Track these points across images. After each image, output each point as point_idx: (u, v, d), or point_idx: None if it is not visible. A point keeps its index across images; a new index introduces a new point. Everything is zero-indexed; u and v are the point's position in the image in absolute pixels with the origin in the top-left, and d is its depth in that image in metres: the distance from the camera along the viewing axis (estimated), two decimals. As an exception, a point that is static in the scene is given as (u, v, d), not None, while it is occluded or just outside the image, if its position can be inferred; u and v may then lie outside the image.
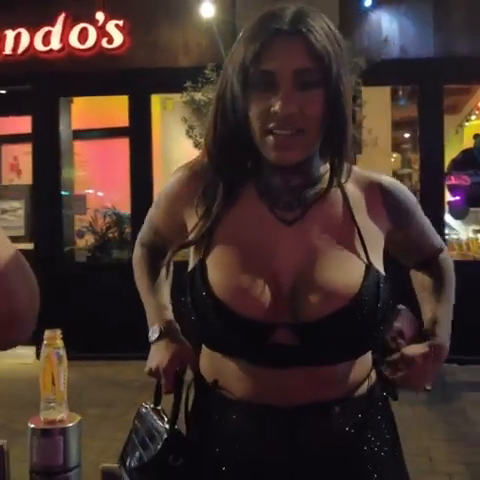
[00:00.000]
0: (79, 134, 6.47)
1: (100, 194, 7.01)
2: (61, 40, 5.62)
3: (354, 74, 4.49)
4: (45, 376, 1.31)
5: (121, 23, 5.55)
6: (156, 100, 6.01)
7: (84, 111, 6.55)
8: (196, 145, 4.61)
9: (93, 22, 5.58)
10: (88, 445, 3.46)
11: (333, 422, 0.99)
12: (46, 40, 5.65)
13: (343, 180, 1.04)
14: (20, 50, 5.68)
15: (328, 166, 1.05)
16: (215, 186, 1.05)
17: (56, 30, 5.62)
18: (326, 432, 0.99)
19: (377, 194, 1.09)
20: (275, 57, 0.94)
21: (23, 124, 6.05)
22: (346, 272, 0.99)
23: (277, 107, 0.93)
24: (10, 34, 5.68)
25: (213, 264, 1.02)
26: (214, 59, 4.51)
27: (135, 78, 5.50)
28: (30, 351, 5.21)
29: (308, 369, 0.98)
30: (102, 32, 5.57)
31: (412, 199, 1.16)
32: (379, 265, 1.03)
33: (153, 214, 1.23)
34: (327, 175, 1.04)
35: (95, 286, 5.52)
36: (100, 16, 5.56)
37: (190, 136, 4.63)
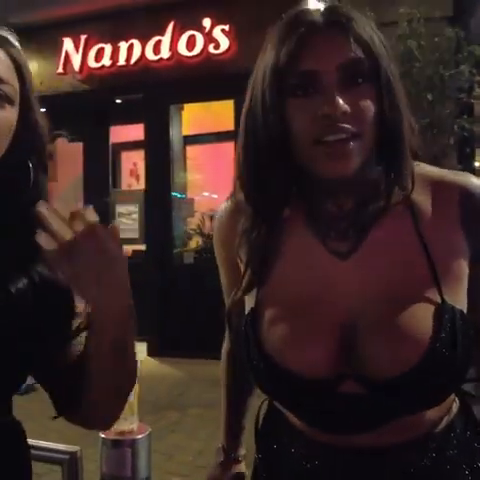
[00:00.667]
0: (192, 139, 6.67)
1: (209, 197, 7.15)
2: (170, 49, 5.81)
3: (468, 63, 4.20)
4: (115, 387, 1.32)
5: (227, 28, 5.61)
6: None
7: (197, 116, 6.76)
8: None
9: (200, 29, 5.69)
10: (187, 446, 3.55)
11: (407, 462, 0.88)
12: (156, 49, 5.86)
13: (405, 190, 0.85)
14: (133, 60, 5.95)
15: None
16: (254, 220, 0.91)
17: (166, 39, 5.81)
18: (401, 472, 0.87)
19: (454, 201, 0.86)
20: (314, 54, 0.80)
21: (139, 131, 6.33)
22: (416, 317, 0.81)
23: (326, 109, 0.78)
24: (123, 46, 5.97)
25: (264, 315, 0.89)
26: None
27: (240, 82, 5.51)
28: (142, 347, 5.42)
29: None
30: (209, 38, 5.67)
31: None
32: (458, 296, 0.84)
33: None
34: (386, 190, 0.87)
35: (202, 286, 5.64)
36: (207, 22, 5.66)
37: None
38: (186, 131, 6.65)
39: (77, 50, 6.16)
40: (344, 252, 0.87)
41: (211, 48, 5.67)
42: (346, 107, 0.79)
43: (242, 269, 0.93)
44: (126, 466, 1.30)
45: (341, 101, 0.78)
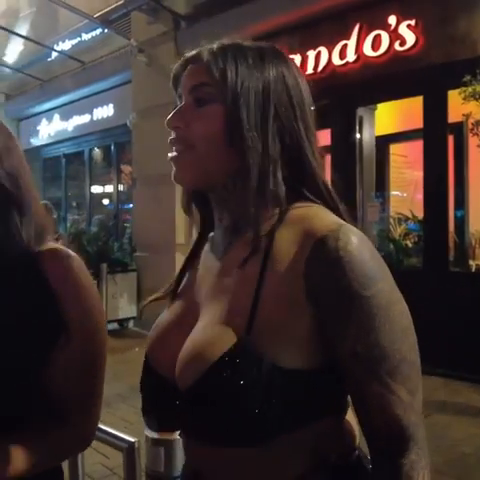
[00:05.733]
0: (383, 139, 6.56)
1: (402, 197, 6.91)
2: (356, 51, 5.77)
3: None
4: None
5: (413, 22, 5.38)
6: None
7: (390, 115, 6.63)
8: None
9: (385, 27, 5.55)
10: None
11: None
12: (343, 54, 5.88)
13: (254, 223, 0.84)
14: (320, 68, 6.05)
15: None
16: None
17: (351, 42, 5.80)
18: None
19: (304, 250, 0.79)
20: (182, 81, 0.91)
21: (325, 137, 6.41)
22: (209, 344, 0.80)
23: (165, 122, 0.89)
24: (311, 54, 6.11)
25: None
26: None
27: (428, 76, 5.26)
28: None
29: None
30: (394, 35, 5.50)
31: (362, 276, 0.76)
32: (274, 346, 0.77)
33: None
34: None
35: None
36: (392, 20, 5.50)
37: (475, 133, 4.22)
38: (380, 131, 6.55)
39: (270, 63, 6.48)
40: (209, 266, 0.94)
41: (397, 45, 5.49)
42: (177, 121, 0.87)
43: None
44: (160, 463, 1.46)
45: (176, 115, 0.88)
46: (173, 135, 0.89)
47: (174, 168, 0.89)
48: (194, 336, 0.85)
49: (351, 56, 5.81)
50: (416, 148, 6.99)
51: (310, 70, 6.12)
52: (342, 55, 5.88)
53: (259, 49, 0.89)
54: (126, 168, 9.61)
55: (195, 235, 1.01)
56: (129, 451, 1.57)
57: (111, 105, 9.27)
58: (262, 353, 0.76)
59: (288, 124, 0.87)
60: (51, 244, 1.07)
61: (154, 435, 1.50)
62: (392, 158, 7.31)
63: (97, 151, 10.37)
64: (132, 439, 1.59)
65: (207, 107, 0.86)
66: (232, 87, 0.84)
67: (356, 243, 0.77)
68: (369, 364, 0.77)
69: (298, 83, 0.90)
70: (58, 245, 1.08)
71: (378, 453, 0.80)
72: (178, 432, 1.44)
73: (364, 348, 0.76)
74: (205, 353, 0.79)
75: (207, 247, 0.99)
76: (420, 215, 5.79)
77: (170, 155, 0.89)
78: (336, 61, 5.93)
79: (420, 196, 6.34)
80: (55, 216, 8.94)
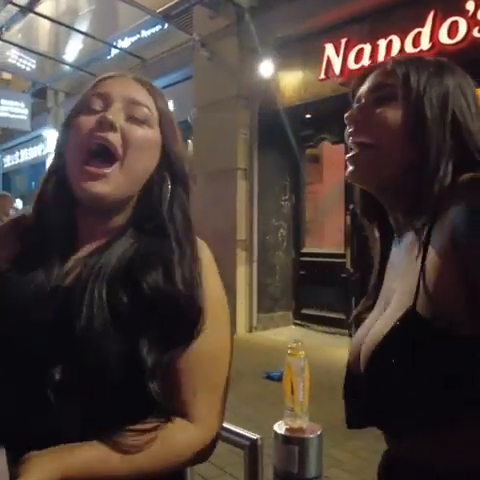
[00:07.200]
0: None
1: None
2: (430, 39, 5.53)
3: None
4: (286, 384, 1.37)
5: (494, 7, 5.11)
6: None
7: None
8: None
9: (463, 13, 5.29)
10: (365, 456, 3.32)
11: None
12: (416, 42, 5.65)
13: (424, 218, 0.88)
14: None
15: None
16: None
17: (425, 30, 5.56)
18: None
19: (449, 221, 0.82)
20: (365, 84, 0.99)
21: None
22: (387, 317, 0.88)
23: (345, 117, 0.96)
24: (382, 43, 5.91)
25: None
26: None
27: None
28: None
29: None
30: (473, 21, 5.24)
31: None
32: (445, 318, 0.79)
33: None
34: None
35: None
36: (470, 5, 5.24)
37: None
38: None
39: (338, 54, 6.31)
40: (396, 266, 0.99)
41: (475, 32, 5.22)
42: (355, 114, 0.95)
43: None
44: (292, 463, 1.34)
45: (355, 111, 0.95)
46: (351, 129, 0.94)
47: (351, 167, 0.93)
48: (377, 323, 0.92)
49: (425, 44, 5.57)
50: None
51: (381, 59, 5.91)
52: (416, 43, 5.65)
53: (439, 61, 0.97)
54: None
55: (377, 241, 1.08)
56: (251, 449, 1.46)
57: (171, 101, 9.21)
58: (430, 322, 0.79)
59: (465, 124, 0.91)
60: None
61: (284, 432, 1.38)
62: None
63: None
64: (254, 436, 1.48)
65: (388, 104, 0.92)
66: (415, 87, 0.91)
67: None
68: None
69: (473, 92, 0.96)
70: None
71: None
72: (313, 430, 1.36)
73: None
74: (381, 330, 0.86)
75: (394, 250, 1.04)
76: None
77: (349, 155, 0.93)
78: (409, 49, 5.69)
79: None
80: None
